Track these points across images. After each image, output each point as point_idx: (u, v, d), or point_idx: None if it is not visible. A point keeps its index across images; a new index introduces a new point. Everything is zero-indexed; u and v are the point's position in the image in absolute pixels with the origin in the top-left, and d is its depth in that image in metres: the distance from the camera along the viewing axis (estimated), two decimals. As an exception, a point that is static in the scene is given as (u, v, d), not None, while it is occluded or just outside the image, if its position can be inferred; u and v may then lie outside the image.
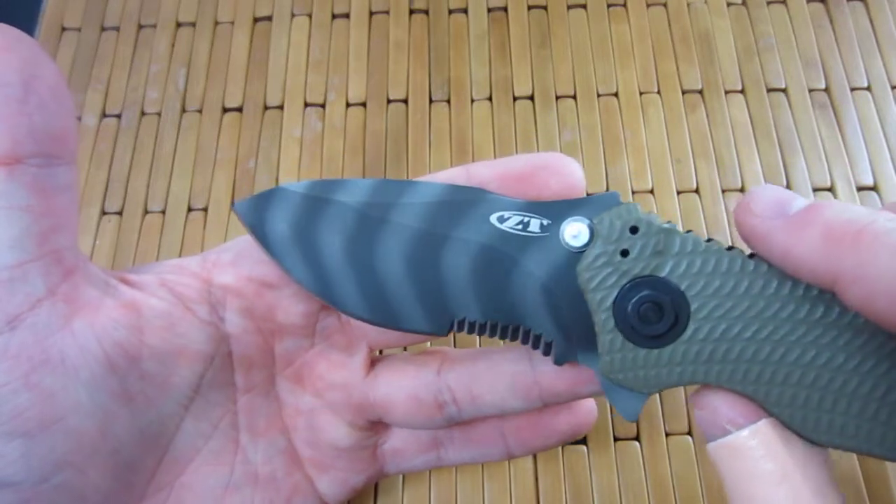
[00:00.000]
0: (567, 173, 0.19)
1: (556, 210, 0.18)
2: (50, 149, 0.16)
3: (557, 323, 0.17)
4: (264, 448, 0.20)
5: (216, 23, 0.33)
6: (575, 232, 0.17)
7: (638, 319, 0.16)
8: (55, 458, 0.16)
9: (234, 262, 0.20)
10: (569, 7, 0.32)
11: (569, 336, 0.17)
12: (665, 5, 0.32)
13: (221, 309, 0.19)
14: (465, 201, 0.18)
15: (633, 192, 0.28)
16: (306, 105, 0.31)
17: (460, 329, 0.18)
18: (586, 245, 0.17)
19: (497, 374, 0.20)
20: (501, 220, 0.18)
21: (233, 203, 0.22)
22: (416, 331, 0.18)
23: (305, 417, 0.21)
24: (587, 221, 0.17)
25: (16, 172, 0.15)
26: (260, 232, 0.19)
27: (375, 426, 0.22)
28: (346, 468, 0.21)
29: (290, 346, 0.21)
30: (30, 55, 0.15)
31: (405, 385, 0.20)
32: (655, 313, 0.16)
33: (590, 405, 0.21)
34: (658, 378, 0.16)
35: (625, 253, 0.16)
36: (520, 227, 0.18)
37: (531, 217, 0.18)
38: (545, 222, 0.18)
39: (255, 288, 0.20)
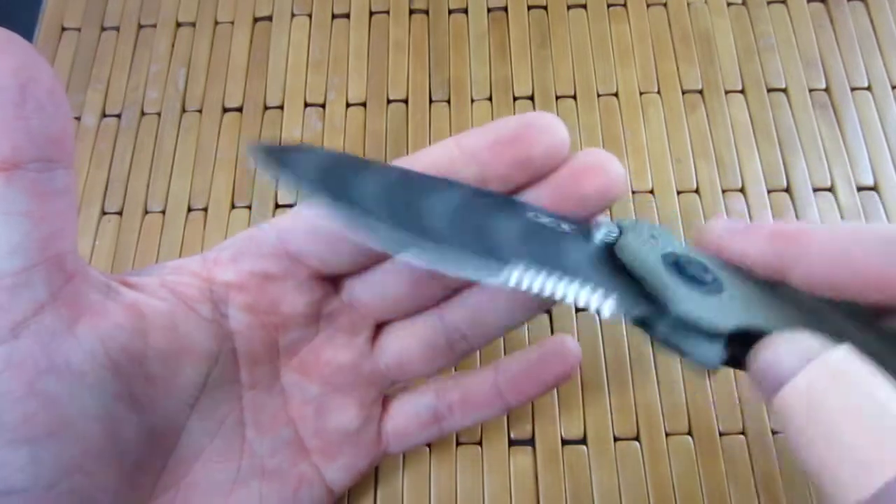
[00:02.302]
0: (554, 130, 0.19)
1: (581, 222, 0.19)
2: (48, 153, 0.16)
3: (614, 283, 0.18)
4: (270, 441, 0.21)
5: (216, 23, 0.33)
6: (606, 229, 0.19)
7: (690, 272, 0.17)
8: (63, 464, 0.16)
9: (235, 259, 0.20)
10: (569, 7, 0.32)
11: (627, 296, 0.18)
12: (665, 5, 0.32)
13: (224, 306, 0.19)
14: (497, 199, 0.19)
15: (634, 192, 0.28)
16: (306, 105, 0.31)
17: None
18: (617, 238, 0.18)
19: (494, 295, 0.20)
20: (535, 216, 0.19)
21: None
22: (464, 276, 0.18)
23: (313, 406, 0.21)
24: (614, 224, 0.19)
25: (14, 178, 0.15)
26: (284, 165, 0.18)
27: (378, 403, 0.22)
28: (353, 453, 0.21)
29: (295, 337, 0.21)
30: (25, 58, 0.15)
31: (416, 338, 0.21)
32: (701, 270, 0.17)
33: (575, 348, 0.22)
34: (732, 312, 0.16)
35: (653, 238, 0.18)
36: (554, 223, 0.19)
37: (560, 220, 0.19)
38: (574, 226, 0.19)
39: (258, 282, 0.20)
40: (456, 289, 0.21)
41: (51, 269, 0.16)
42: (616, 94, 0.30)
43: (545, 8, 0.32)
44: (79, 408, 0.16)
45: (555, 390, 0.25)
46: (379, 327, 0.22)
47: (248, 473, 0.20)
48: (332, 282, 0.21)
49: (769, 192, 0.28)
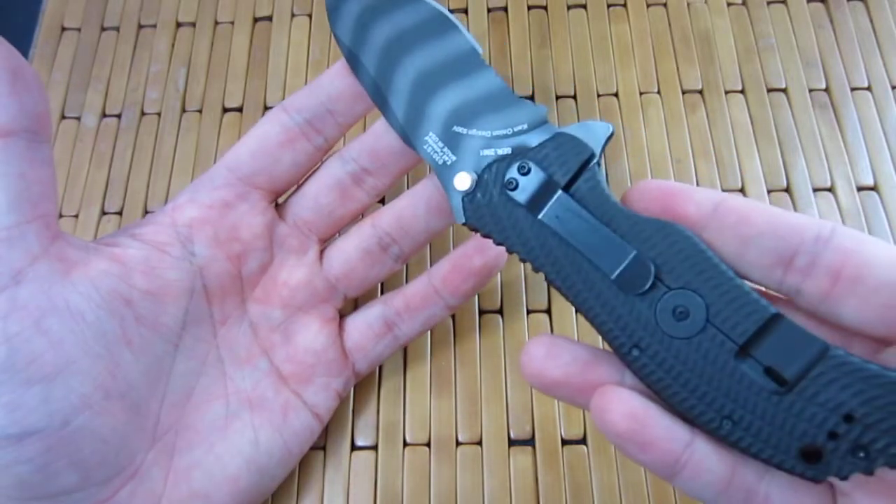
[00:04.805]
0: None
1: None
2: (35, 127, 0.18)
3: None
4: (250, 374, 0.22)
5: (216, 23, 0.33)
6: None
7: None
8: (74, 401, 0.18)
9: (192, 199, 0.22)
10: (569, 7, 0.32)
11: None
12: (665, 5, 0.32)
13: (190, 245, 0.21)
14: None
15: (633, 192, 0.28)
16: (306, 105, 0.31)
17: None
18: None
19: (414, 203, 0.23)
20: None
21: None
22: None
23: (280, 332, 0.23)
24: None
25: (10, 144, 0.17)
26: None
27: (335, 321, 0.24)
28: (324, 373, 0.23)
29: (254, 265, 0.23)
30: (9, 50, 0.18)
31: (353, 247, 0.23)
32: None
33: (499, 249, 0.23)
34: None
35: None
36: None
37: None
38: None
39: (217, 212, 0.22)
40: (382, 196, 0.24)
41: (41, 227, 0.18)
42: (616, 94, 0.30)
43: (545, 8, 0.32)
44: (82, 346, 0.18)
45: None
46: (323, 247, 0.24)
47: (237, 407, 0.22)
48: (279, 210, 0.24)
49: (769, 191, 0.28)
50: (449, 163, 0.20)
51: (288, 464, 0.22)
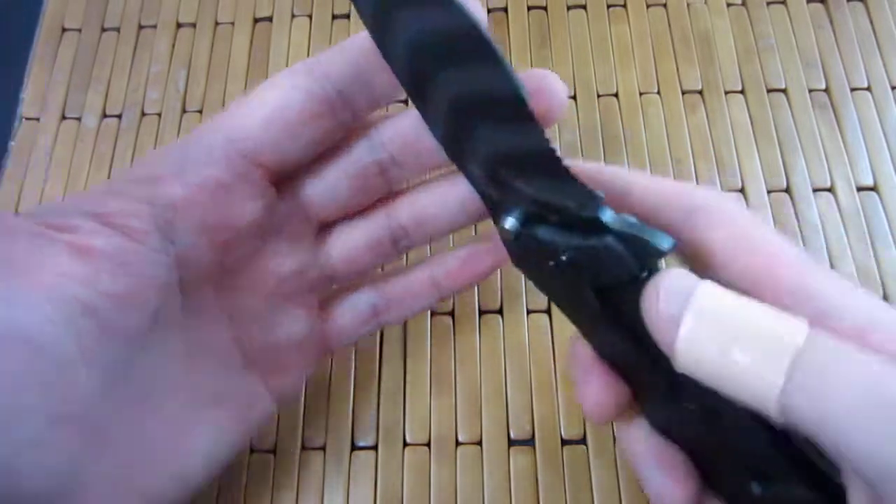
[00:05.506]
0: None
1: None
2: None
3: None
4: (222, 369, 0.20)
5: (216, 23, 0.33)
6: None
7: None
8: (19, 443, 0.15)
9: (181, 172, 0.18)
10: (569, 7, 0.32)
11: None
12: (665, 5, 0.32)
13: (171, 232, 0.18)
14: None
15: (633, 193, 0.28)
16: (306, 105, 0.31)
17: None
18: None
19: (444, 202, 0.21)
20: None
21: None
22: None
23: (258, 324, 0.20)
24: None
25: None
26: None
27: (318, 306, 0.22)
28: (302, 364, 0.22)
29: (241, 253, 0.20)
30: None
31: (361, 237, 0.21)
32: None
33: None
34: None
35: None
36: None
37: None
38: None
39: (210, 193, 0.18)
40: (400, 187, 0.21)
41: None
42: (616, 95, 0.30)
43: (545, 8, 0.32)
44: (31, 376, 0.15)
45: (556, 390, 0.25)
46: (321, 231, 0.22)
47: (203, 405, 0.19)
48: (280, 186, 0.20)
49: (769, 192, 0.28)
50: (495, 198, 0.19)
51: (241, 450, 0.21)
